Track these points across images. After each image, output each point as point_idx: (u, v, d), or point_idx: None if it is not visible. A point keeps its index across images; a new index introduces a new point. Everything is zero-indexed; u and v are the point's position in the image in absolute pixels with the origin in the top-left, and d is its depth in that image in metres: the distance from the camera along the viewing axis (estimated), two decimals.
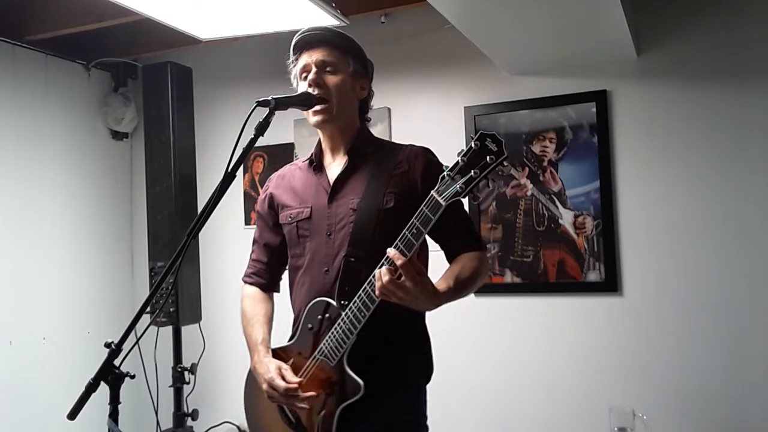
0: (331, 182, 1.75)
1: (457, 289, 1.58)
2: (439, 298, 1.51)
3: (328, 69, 1.72)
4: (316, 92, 1.70)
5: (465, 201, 1.51)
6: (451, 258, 1.71)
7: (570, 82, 2.98)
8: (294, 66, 1.80)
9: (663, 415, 2.75)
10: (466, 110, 3.14)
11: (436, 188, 1.44)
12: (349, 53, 1.77)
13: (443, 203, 1.43)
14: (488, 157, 1.39)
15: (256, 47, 3.46)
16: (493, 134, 1.41)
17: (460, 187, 1.41)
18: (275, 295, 1.94)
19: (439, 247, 1.74)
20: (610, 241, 2.89)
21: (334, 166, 1.79)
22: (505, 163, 1.41)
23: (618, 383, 2.85)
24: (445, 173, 1.43)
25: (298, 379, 1.63)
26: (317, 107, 1.71)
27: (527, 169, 3.03)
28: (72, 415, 1.38)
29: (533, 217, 3.02)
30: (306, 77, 1.73)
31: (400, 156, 1.74)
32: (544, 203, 3.00)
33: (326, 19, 2.56)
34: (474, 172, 1.40)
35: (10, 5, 3.10)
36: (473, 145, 1.41)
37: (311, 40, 1.75)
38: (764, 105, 2.70)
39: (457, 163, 1.42)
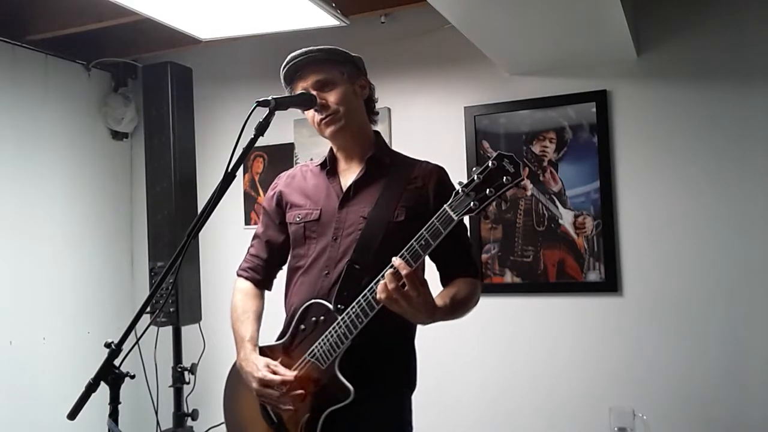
0: (344, 188, 1.76)
1: (453, 308, 1.61)
2: (436, 312, 1.52)
3: (326, 87, 1.73)
4: (323, 114, 1.71)
5: (466, 218, 1.51)
6: (446, 280, 1.73)
7: (570, 82, 2.97)
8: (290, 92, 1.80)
9: (663, 415, 2.75)
10: (466, 110, 3.14)
11: (449, 203, 1.45)
12: (338, 61, 1.76)
13: (455, 218, 1.44)
14: (504, 178, 1.40)
15: (256, 47, 3.46)
16: (511, 155, 1.42)
17: (473, 204, 1.42)
18: (266, 293, 1.92)
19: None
20: (610, 241, 2.89)
21: (349, 172, 1.79)
22: (521, 185, 1.43)
23: (618, 383, 2.85)
24: (459, 189, 1.44)
25: (292, 373, 1.62)
26: (327, 118, 1.72)
27: (527, 169, 3.03)
28: (72, 415, 1.38)
29: (533, 217, 3.02)
30: None
31: (416, 171, 1.75)
32: (544, 203, 3.00)
33: (326, 19, 2.56)
34: (489, 191, 1.41)
35: (10, 5, 3.10)
36: (490, 164, 1.42)
37: (298, 66, 1.74)
38: (764, 105, 2.70)
39: (473, 180, 1.43)
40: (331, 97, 1.72)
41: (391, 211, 1.68)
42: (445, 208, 1.45)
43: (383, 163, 1.77)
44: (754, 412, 2.67)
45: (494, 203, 1.43)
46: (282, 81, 1.79)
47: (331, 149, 1.84)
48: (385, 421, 1.69)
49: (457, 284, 1.68)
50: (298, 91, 1.74)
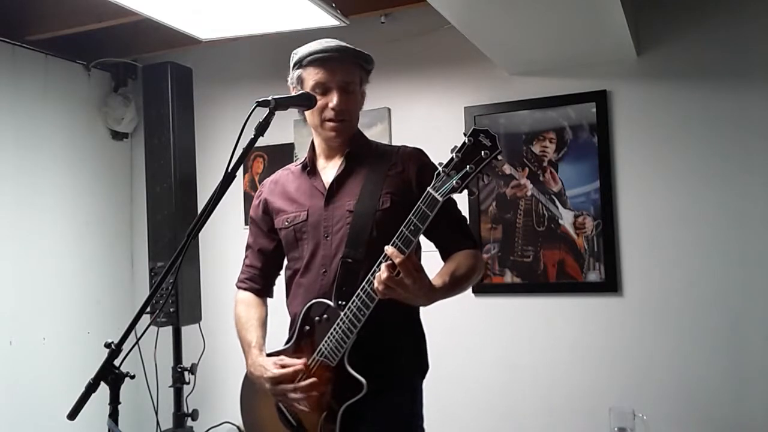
0: (327, 185, 1.76)
1: (452, 285, 1.60)
2: (434, 293, 1.53)
3: (348, 90, 1.73)
4: (339, 118, 1.71)
5: (463, 201, 1.51)
6: (445, 256, 1.73)
7: (570, 82, 2.97)
8: (300, 71, 1.74)
9: (663, 415, 2.75)
10: (466, 110, 3.14)
11: (432, 185, 1.45)
12: (363, 69, 1.78)
13: (440, 199, 1.44)
14: (482, 152, 1.41)
15: (256, 47, 3.46)
16: (486, 129, 1.43)
17: (456, 182, 1.42)
18: (269, 300, 1.94)
19: (433, 248, 1.75)
20: (610, 241, 2.89)
21: (329, 169, 1.79)
22: (500, 157, 1.43)
23: (618, 383, 2.85)
24: (440, 169, 1.45)
25: (301, 361, 1.63)
26: (338, 123, 1.71)
27: (527, 169, 3.03)
28: (72, 415, 1.38)
29: (533, 217, 3.02)
30: (321, 93, 1.70)
31: (394, 157, 1.76)
32: (544, 203, 3.00)
33: (326, 20, 2.56)
34: (469, 167, 1.41)
35: (10, 5, 3.10)
36: (467, 141, 1.43)
37: (333, 58, 1.71)
38: (764, 105, 2.70)
39: (452, 159, 1.43)
40: (351, 104, 1.73)
41: (376, 200, 1.68)
42: (429, 191, 1.45)
43: (362, 155, 1.77)
44: (754, 411, 2.67)
45: (477, 178, 1.43)
46: (303, 55, 1.73)
47: (312, 148, 1.84)
48: (400, 411, 1.70)
49: (456, 259, 1.68)
50: (316, 76, 1.70)
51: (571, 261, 2.95)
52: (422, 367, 1.78)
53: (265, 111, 1.57)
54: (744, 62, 2.73)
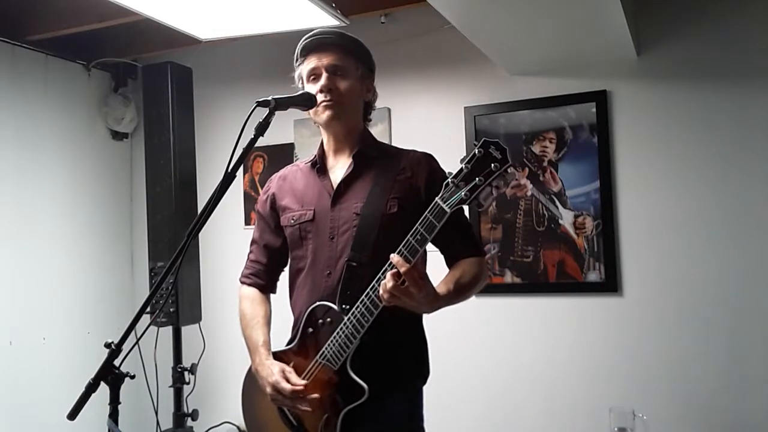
0: (335, 185, 1.75)
1: (457, 293, 1.60)
2: (438, 301, 1.53)
3: (338, 73, 1.73)
4: (327, 97, 1.70)
5: (465, 206, 1.51)
6: (451, 263, 1.72)
7: (570, 82, 2.97)
8: (300, 66, 1.79)
9: (663, 415, 2.75)
10: (466, 110, 3.14)
11: (440, 195, 1.45)
12: (358, 56, 1.77)
13: (448, 210, 1.43)
14: (493, 165, 1.40)
15: (256, 47, 3.46)
16: (497, 141, 1.41)
17: (465, 194, 1.41)
18: (272, 296, 1.93)
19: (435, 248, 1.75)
20: (610, 241, 2.89)
21: (337, 168, 1.79)
22: (510, 170, 1.41)
23: (618, 383, 2.85)
24: (449, 180, 1.44)
25: (303, 382, 1.63)
26: (330, 101, 1.71)
27: (527, 169, 3.03)
28: (72, 415, 1.38)
29: (533, 218, 3.02)
30: (314, 80, 1.73)
31: (404, 162, 1.75)
32: (544, 203, 3.00)
33: (326, 20, 2.56)
34: (478, 180, 1.40)
35: (10, 5, 3.10)
36: (477, 152, 1.41)
37: (322, 43, 1.74)
38: (764, 105, 2.70)
39: (461, 170, 1.42)
40: (342, 84, 1.72)
41: (383, 204, 1.68)
42: (437, 201, 1.45)
43: (371, 157, 1.76)
44: (754, 411, 2.67)
45: (488, 192, 1.42)
46: (298, 50, 1.78)
47: (321, 146, 1.84)
48: (401, 415, 1.70)
49: (461, 267, 1.68)
50: (310, 64, 1.74)
51: (571, 261, 2.95)
52: (423, 373, 1.78)
53: (265, 111, 1.57)
54: (744, 62, 2.73)
